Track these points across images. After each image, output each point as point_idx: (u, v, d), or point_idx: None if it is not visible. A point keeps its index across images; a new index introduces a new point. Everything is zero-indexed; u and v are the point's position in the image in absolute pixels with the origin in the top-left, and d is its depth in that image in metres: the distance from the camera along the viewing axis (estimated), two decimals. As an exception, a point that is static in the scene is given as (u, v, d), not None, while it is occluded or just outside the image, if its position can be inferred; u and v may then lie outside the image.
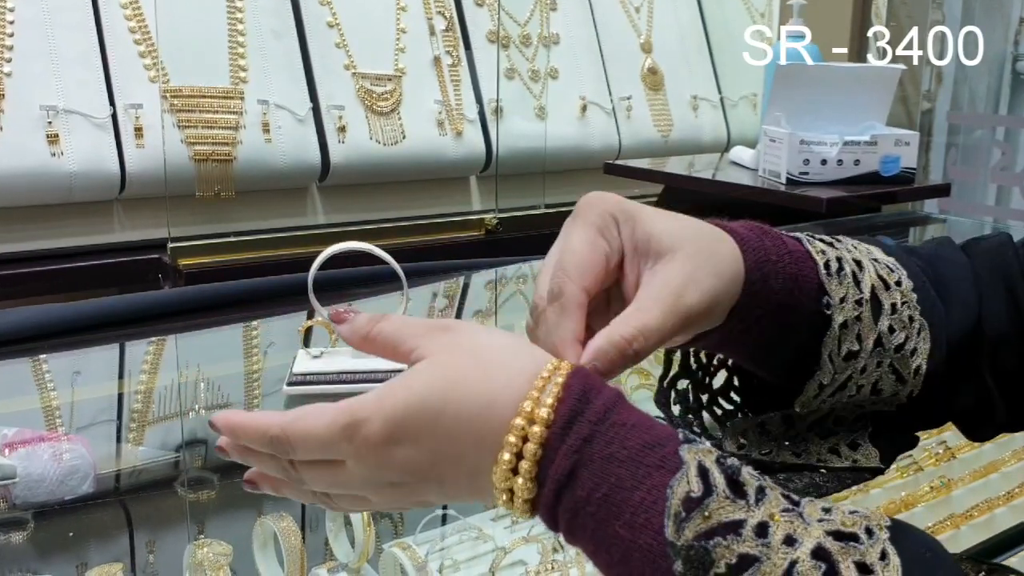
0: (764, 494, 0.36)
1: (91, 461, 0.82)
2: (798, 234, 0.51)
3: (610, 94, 1.99)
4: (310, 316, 1.03)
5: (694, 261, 0.45)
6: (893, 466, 0.91)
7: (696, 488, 0.36)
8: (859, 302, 0.48)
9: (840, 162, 1.55)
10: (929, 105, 2.33)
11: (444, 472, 0.41)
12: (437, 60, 1.76)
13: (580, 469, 0.37)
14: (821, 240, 0.50)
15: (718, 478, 0.36)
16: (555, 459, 0.38)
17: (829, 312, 0.47)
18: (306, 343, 1.04)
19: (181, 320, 1.24)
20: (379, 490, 0.43)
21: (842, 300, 0.48)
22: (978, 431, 0.54)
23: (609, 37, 2.03)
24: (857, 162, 1.55)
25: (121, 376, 1.14)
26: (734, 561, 0.34)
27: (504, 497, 0.39)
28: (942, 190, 1.85)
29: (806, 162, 1.55)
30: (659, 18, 2.12)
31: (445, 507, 0.78)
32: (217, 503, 0.82)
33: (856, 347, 0.48)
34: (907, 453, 0.92)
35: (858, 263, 0.49)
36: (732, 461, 0.37)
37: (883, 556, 0.34)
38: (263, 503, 0.84)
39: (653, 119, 2.05)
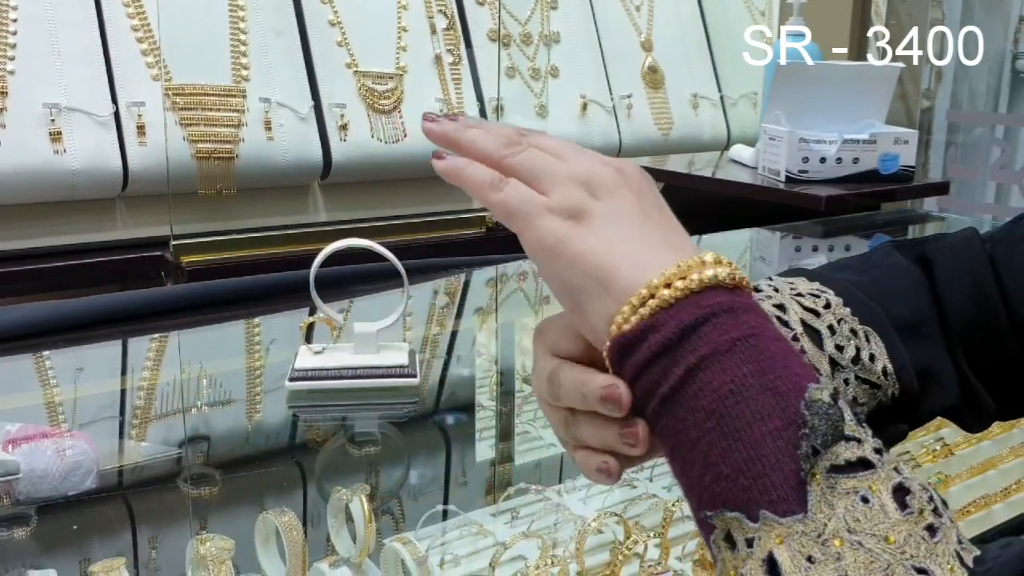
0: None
1: (94, 457, 0.83)
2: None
3: (610, 92, 2.00)
4: (312, 312, 1.04)
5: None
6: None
7: (830, 398, 0.36)
8: (795, 338, 0.49)
9: (839, 160, 1.55)
10: (929, 103, 2.33)
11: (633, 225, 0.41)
12: (438, 58, 1.76)
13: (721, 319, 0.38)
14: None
15: (845, 405, 0.36)
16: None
17: None
18: (308, 339, 1.04)
19: (183, 317, 1.24)
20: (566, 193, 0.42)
21: None
22: (971, 423, 0.55)
23: (609, 35, 2.03)
24: (856, 160, 1.56)
25: (124, 372, 1.15)
26: (854, 459, 0.34)
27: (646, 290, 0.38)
28: (941, 188, 1.86)
29: (805, 160, 1.55)
30: (659, 16, 2.12)
31: (446, 503, 0.79)
32: (219, 499, 0.82)
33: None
34: (904, 451, 0.93)
35: (780, 307, 0.50)
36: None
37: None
38: (266, 498, 0.85)
39: (653, 117, 2.05)
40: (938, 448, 0.93)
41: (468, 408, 1.05)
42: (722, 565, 0.35)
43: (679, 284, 0.37)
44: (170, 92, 1.46)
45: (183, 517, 0.80)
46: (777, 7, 2.27)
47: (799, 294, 0.51)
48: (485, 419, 1.01)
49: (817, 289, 0.52)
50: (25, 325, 1.14)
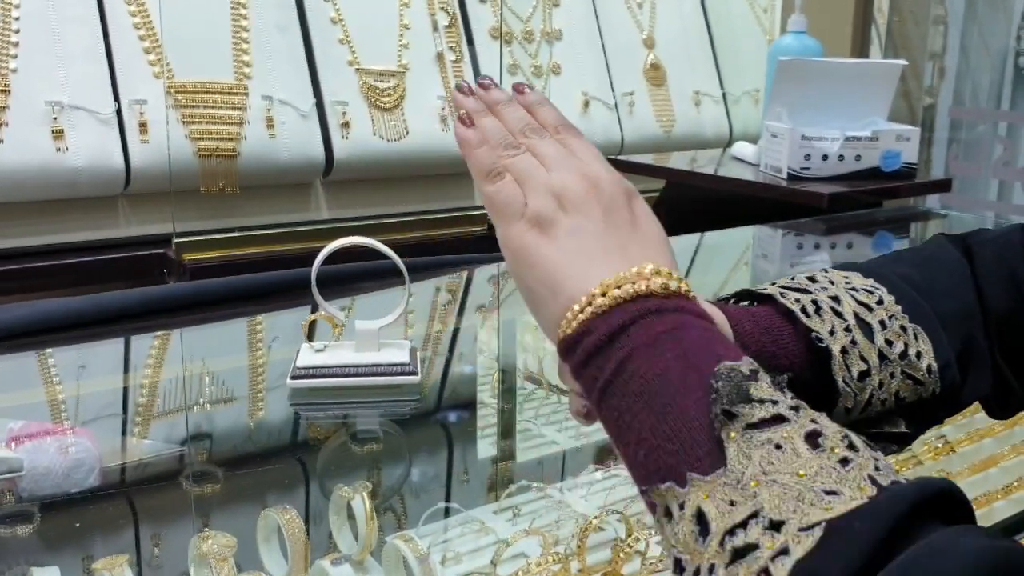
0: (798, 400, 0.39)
1: (96, 454, 0.83)
2: (770, 290, 0.55)
3: (612, 90, 2.00)
4: (314, 310, 1.04)
5: None
6: (892, 459, 0.91)
7: (746, 369, 0.39)
8: (847, 328, 0.53)
9: (841, 157, 1.55)
10: (931, 100, 2.33)
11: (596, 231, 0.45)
12: (440, 56, 1.76)
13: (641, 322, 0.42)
14: (793, 290, 0.55)
15: (763, 374, 0.39)
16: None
17: (823, 344, 0.52)
18: (310, 337, 1.04)
19: (186, 314, 1.24)
20: (562, 182, 0.47)
21: (831, 332, 0.52)
22: (999, 410, 0.58)
23: (611, 32, 2.03)
24: (858, 157, 1.56)
25: (126, 370, 1.15)
26: (768, 416, 0.37)
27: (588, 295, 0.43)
28: (943, 185, 1.86)
29: (807, 157, 1.55)
30: (661, 13, 2.12)
31: (448, 500, 0.79)
32: (222, 496, 0.83)
33: (864, 366, 0.52)
34: (905, 448, 0.93)
35: (835, 298, 0.54)
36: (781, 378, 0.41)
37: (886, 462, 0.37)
38: (268, 496, 0.85)
39: (655, 114, 2.05)
40: (940, 445, 0.93)
41: (470, 405, 1.05)
42: (664, 540, 0.38)
43: (614, 293, 0.42)
44: (172, 90, 1.46)
45: (186, 514, 0.80)
46: (779, 2, 2.27)
47: (853, 288, 0.55)
48: (487, 416, 1.01)
49: (871, 285, 0.55)
50: (28, 323, 1.14)
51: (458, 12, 1.81)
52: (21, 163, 1.34)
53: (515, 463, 0.92)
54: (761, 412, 0.37)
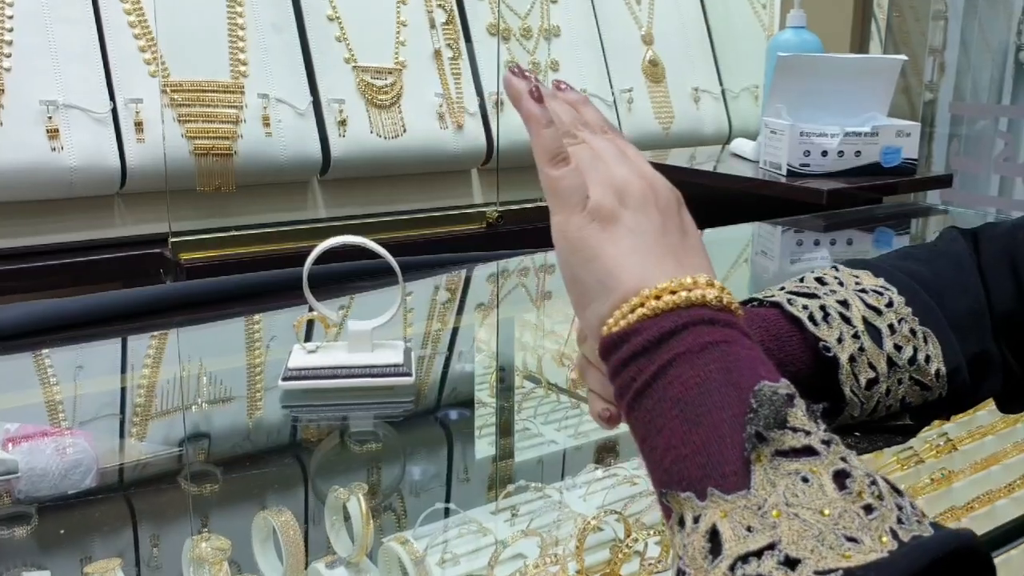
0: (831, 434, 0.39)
1: (94, 455, 0.82)
2: (778, 296, 0.55)
3: (611, 86, 1.99)
4: (311, 310, 1.03)
5: None
6: (893, 457, 0.91)
7: (784, 393, 0.38)
8: (856, 335, 0.52)
9: (841, 153, 1.54)
10: (931, 95, 2.32)
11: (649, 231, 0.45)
12: (438, 53, 1.76)
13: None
14: (801, 295, 0.55)
15: (800, 400, 0.39)
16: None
17: (830, 354, 0.52)
18: (307, 337, 1.04)
19: (182, 314, 1.24)
20: (609, 177, 0.46)
21: (839, 340, 0.52)
22: (1010, 404, 0.58)
23: (610, 29, 2.02)
24: (858, 153, 1.55)
25: (123, 370, 1.15)
26: (799, 446, 0.37)
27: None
28: (944, 181, 1.85)
29: (807, 154, 1.54)
30: (660, 9, 2.11)
31: (446, 501, 0.78)
32: (220, 496, 0.82)
33: (872, 374, 0.52)
34: (907, 446, 0.92)
35: (843, 302, 0.54)
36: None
37: (912, 506, 0.36)
38: (265, 496, 0.84)
39: (654, 111, 2.05)
40: (942, 444, 0.92)
41: (468, 404, 1.05)
42: (673, 547, 0.38)
43: (668, 297, 0.41)
44: (168, 89, 1.45)
45: (184, 516, 0.80)
46: (778, -1, 2.27)
47: (863, 290, 0.55)
48: (485, 416, 1.00)
49: (881, 286, 0.55)
50: (24, 323, 1.13)
51: (455, 9, 1.80)
52: (16, 163, 1.33)
53: (514, 463, 0.91)
54: (793, 441, 0.37)
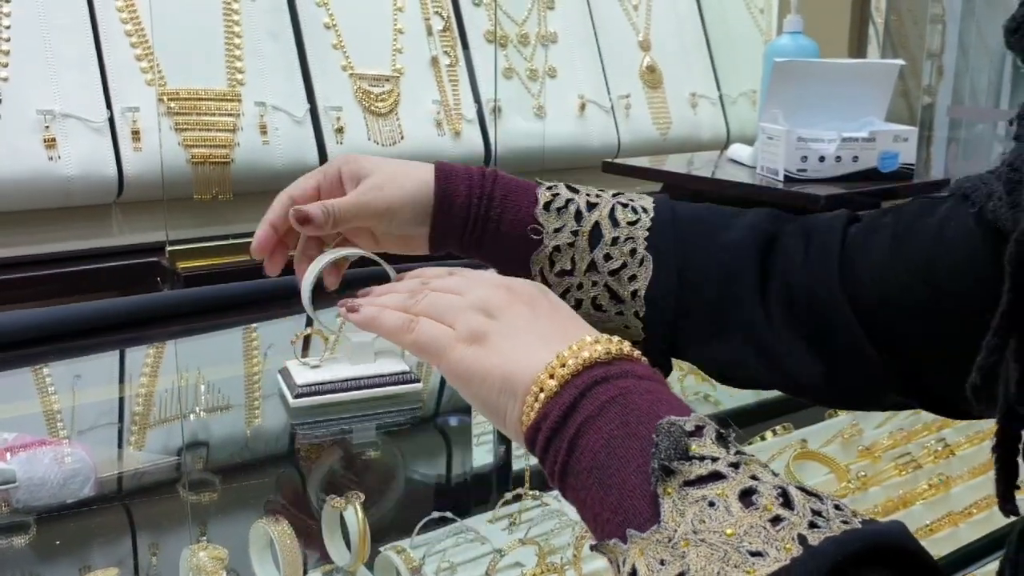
0: (743, 455, 0.40)
1: (92, 464, 0.83)
2: (555, 184, 0.61)
3: (608, 92, 1.99)
4: (308, 323, 1.03)
5: (383, 176, 0.61)
6: (891, 464, 0.90)
7: (690, 426, 0.40)
8: (575, 232, 0.59)
9: (838, 159, 1.54)
10: (930, 99, 2.32)
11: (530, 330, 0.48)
12: (435, 60, 1.76)
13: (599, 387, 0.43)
14: (570, 188, 0.61)
15: (710, 429, 0.40)
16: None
17: (538, 238, 0.58)
18: (305, 351, 1.04)
19: (180, 323, 1.24)
20: (479, 304, 0.49)
21: (557, 230, 0.59)
22: (943, 408, 0.57)
23: (607, 35, 2.02)
24: (855, 158, 1.55)
25: (121, 380, 1.15)
26: (706, 473, 0.38)
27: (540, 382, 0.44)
28: (941, 185, 1.85)
29: (804, 159, 1.54)
30: (657, 15, 2.11)
31: (443, 510, 0.78)
32: (218, 505, 0.82)
33: (569, 267, 0.59)
34: (905, 451, 0.92)
35: (592, 205, 0.59)
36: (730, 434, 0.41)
37: (838, 508, 0.37)
38: (264, 504, 0.84)
39: (652, 117, 2.05)
40: (939, 449, 0.92)
41: (466, 412, 1.05)
42: None
43: (560, 372, 0.43)
44: (164, 97, 1.45)
45: (182, 524, 0.80)
46: (776, 2, 2.27)
47: (623, 203, 0.60)
48: (483, 423, 1.00)
49: (642, 207, 0.60)
50: (21, 333, 1.13)
51: (452, 16, 1.81)
52: (13, 172, 1.33)
53: (511, 471, 0.91)
54: (699, 469, 0.38)
